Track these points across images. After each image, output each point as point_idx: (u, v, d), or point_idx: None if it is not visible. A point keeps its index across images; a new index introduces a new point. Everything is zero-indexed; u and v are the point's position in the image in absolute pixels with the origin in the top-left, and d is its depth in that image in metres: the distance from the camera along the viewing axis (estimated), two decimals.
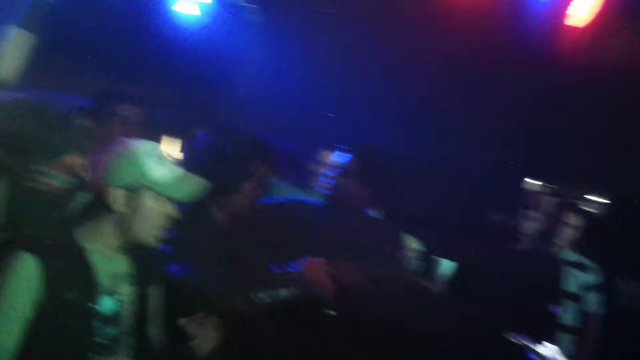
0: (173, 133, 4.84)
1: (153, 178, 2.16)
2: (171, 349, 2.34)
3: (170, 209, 2.21)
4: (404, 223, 3.34)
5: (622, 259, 4.56)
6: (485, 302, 3.59)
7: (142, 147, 2.21)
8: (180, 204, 2.26)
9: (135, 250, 2.22)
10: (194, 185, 2.25)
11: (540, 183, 4.23)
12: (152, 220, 2.18)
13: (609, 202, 4.53)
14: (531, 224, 4.06)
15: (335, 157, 3.28)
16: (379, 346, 2.76)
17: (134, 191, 2.16)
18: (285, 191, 3.58)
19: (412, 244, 3.58)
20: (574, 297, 4.12)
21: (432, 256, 3.91)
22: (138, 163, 2.17)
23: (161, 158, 2.22)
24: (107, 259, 2.17)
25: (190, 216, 2.47)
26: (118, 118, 3.47)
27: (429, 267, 3.88)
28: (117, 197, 2.15)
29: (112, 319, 2.14)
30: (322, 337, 2.69)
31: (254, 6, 5.37)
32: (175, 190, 2.20)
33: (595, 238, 4.27)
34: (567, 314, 4.09)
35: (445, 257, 3.98)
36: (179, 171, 2.23)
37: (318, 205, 3.22)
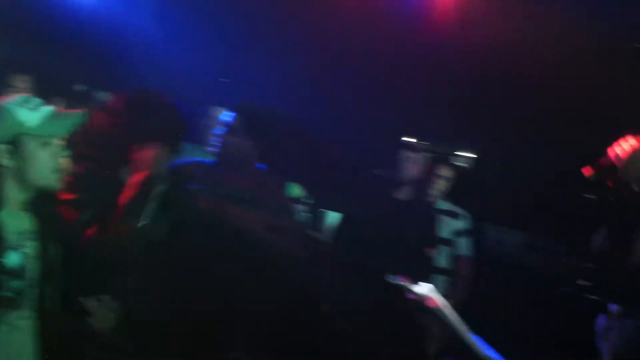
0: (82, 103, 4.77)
1: (29, 124, 2.25)
2: (72, 306, 2.46)
3: (59, 152, 2.30)
4: (292, 177, 3.53)
5: (487, 207, 5.01)
6: (367, 249, 3.85)
7: (9, 100, 2.30)
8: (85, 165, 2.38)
9: (39, 204, 2.32)
10: (70, 120, 2.34)
11: (416, 141, 4.51)
12: (45, 166, 2.27)
13: (475, 156, 4.93)
14: (408, 177, 4.31)
15: (223, 117, 3.41)
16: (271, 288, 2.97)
17: (17, 143, 2.24)
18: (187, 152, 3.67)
19: (300, 197, 3.78)
20: (446, 242, 4.49)
21: (319, 208, 4.14)
22: (10, 115, 2.25)
23: (31, 105, 2.30)
24: (12, 215, 2.26)
25: (99, 177, 2.57)
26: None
27: (316, 218, 4.11)
28: (1, 152, 2.24)
29: (17, 273, 2.24)
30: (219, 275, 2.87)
31: None
32: (54, 128, 2.29)
33: (464, 188, 4.65)
34: (441, 257, 4.45)
35: (331, 209, 4.22)
36: (51, 109, 2.31)
37: (211, 163, 3.37)
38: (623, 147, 2.89)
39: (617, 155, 2.88)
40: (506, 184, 5.26)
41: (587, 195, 5.16)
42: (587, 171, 3.38)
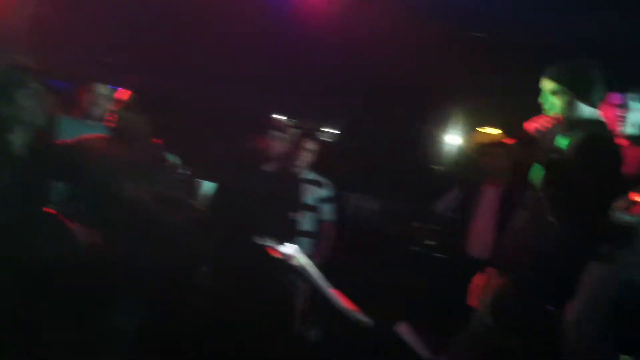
0: None
1: None
2: None
3: None
4: (173, 150, 3.80)
5: (348, 176, 5.43)
6: (239, 215, 4.20)
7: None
8: None
9: None
10: None
11: (284, 117, 4.83)
12: None
13: (338, 132, 5.37)
14: (277, 150, 4.66)
15: (117, 95, 3.69)
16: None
17: None
18: (75, 129, 3.84)
19: (180, 168, 4.02)
20: (311, 208, 4.84)
21: (196, 179, 4.39)
22: None
23: None
24: None
25: None
26: None
27: (193, 188, 4.36)
28: None
29: None
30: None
31: None
32: None
33: (328, 160, 5.03)
34: (306, 222, 4.79)
35: (207, 179, 4.47)
36: None
37: (104, 138, 3.62)
38: (539, 123, 3.37)
39: (535, 129, 3.36)
40: (363, 156, 5.69)
41: (434, 167, 5.79)
42: (511, 139, 3.80)
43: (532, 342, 3.80)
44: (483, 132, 5.48)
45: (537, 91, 3.43)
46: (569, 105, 3.32)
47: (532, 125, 3.29)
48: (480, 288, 3.34)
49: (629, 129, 4.13)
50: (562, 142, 3.30)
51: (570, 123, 3.33)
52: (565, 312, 3.77)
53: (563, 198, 3.17)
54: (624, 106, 4.11)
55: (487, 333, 3.20)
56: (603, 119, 3.43)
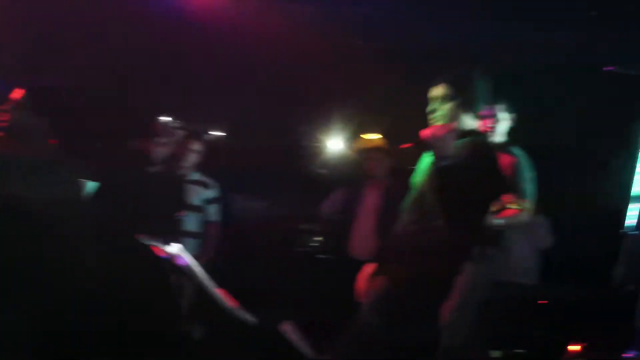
0: None
1: None
2: None
3: None
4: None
5: (234, 177, 5.48)
6: (125, 215, 4.14)
7: None
8: None
9: None
10: None
11: (170, 118, 4.81)
12: None
13: (223, 134, 5.40)
14: (162, 150, 4.66)
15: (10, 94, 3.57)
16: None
17: None
18: None
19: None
20: (197, 208, 4.84)
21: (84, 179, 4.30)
22: None
23: None
24: None
25: None
26: None
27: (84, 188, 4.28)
28: None
29: None
30: None
31: None
32: None
33: (213, 161, 5.06)
34: (191, 222, 4.80)
35: (94, 180, 4.40)
36: None
37: None
38: (433, 130, 3.48)
39: (428, 136, 3.46)
40: (249, 158, 5.76)
41: (318, 170, 5.92)
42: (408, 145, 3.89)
43: (416, 341, 4.01)
44: (366, 138, 5.66)
45: (421, 99, 3.53)
46: (457, 113, 3.46)
47: (429, 133, 3.42)
48: (366, 285, 3.44)
49: (497, 138, 4.43)
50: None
51: (457, 131, 3.47)
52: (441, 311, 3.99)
53: (449, 201, 3.30)
54: (492, 117, 4.39)
55: (371, 331, 3.28)
56: (481, 129, 3.63)
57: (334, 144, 6.07)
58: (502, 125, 4.42)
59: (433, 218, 3.34)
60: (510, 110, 4.41)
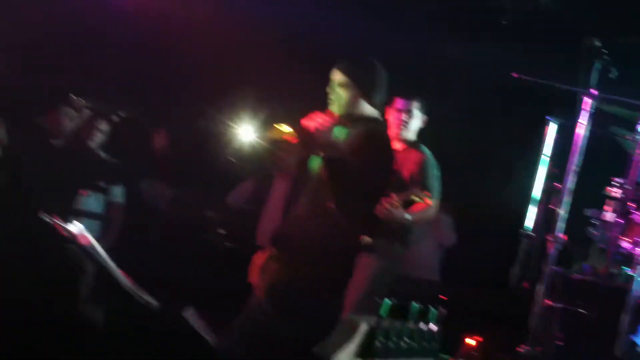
0: None
1: None
2: None
3: None
4: None
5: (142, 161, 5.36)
6: (26, 190, 3.98)
7: None
8: None
9: None
10: None
11: (77, 98, 4.69)
12: None
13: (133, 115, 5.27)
14: (68, 128, 4.55)
15: None
16: None
17: None
18: None
19: None
20: (100, 189, 4.78)
21: None
22: None
23: None
24: None
25: None
26: None
27: None
28: None
29: None
30: None
31: None
32: None
33: (121, 143, 4.96)
34: (95, 202, 4.74)
35: None
36: None
37: None
38: (315, 119, 3.45)
39: (311, 125, 3.44)
40: (158, 143, 5.67)
41: (229, 159, 5.85)
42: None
43: (309, 329, 4.03)
44: (277, 128, 5.66)
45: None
46: (353, 100, 3.48)
47: (309, 121, 3.43)
48: (258, 271, 3.42)
49: (409, 134, 4.52)
50: (341, 134, 3.50)
51: (352, 117, 3.50)
52: (343, 304, 4.03)
53: (340, 188, 3.32)
54: (407, 112, 4.48)
55: (264, 317, 3.26)
56: (382, 119, 3.65)
57: (245, 133, 6.03)
58: (414, 122, 4.52)
59: (323, 206, 3.35)
60: (424, 109, 4.53)
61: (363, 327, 1.36)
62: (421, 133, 4.61)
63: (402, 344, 1.41)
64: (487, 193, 5.73)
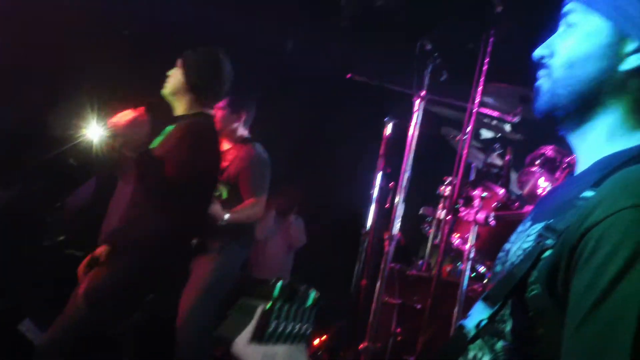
0: None
1: None
2: None
3: None
4: None
5: None
6: None
7: None
8: None
9: None
10: None
11: None
12: None
13: None
14: None
15: None
16: None
17: None
18: None
19: None
20: None
21: None
22: None
23: None
24: None
25: None
26: None
27: None
28: None
29: None
30: None
31: None
32: None
33: None
34: None
35: None
36: None
37: None
38: (121, 119, 3.33)
39: (120, 124, 3.32)
40: None
41: (70, 161, 5.63)
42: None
43: (131, 332, 3.94)
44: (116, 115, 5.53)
45: None
46: (184, 91, 3.44)
47: (115, 120, 3.36)
48: (84, 270, 3.31)
49: (238, 131, 4.52)
50: (167, 130, 3.43)
51: (175, 106, 3.48)
52: (176, 304, 3.94)
53: (152, 185, 3.28)
54: (234, 108, 4.45)
55: (83, 318, 3.16)
56: (210, 114, 3.58)
57: (87, 134, 5.83)
58: (248, 118, 4.53)
59: (143, 203, 3.30)
60: (252, 106, 4.53)
61: (259, 310, 1.36)
62: (265, 132, 4.61)
63: (295, 326, 1.41)
64: (333, 193, 5.82)
